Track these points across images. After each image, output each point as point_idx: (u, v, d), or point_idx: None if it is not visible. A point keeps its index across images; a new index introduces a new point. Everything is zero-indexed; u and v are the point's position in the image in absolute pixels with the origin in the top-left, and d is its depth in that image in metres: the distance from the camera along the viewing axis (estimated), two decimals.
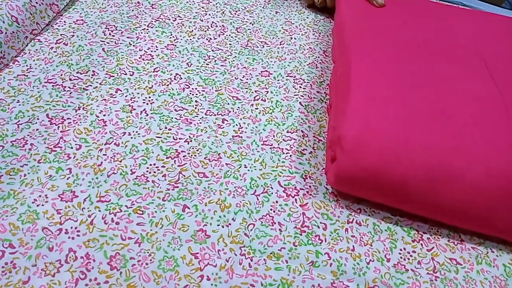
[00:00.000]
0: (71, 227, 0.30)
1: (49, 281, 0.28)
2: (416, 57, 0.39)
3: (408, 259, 0.32)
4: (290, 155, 0.37)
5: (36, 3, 0.44)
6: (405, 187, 0.31)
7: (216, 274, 0.29)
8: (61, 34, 0.45)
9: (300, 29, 0.52)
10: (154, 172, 0.35)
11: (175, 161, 0.36)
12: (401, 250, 0.33)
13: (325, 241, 0.32)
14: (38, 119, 0.37)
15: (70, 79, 0.41)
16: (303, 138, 0.39)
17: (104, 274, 0.28)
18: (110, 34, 0.46)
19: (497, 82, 0.37)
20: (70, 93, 0.39)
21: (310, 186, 0.36)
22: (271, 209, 0.33)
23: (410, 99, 0.34)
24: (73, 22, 0.47)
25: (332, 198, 0.35)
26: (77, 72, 0.41)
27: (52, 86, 0.40)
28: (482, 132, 0.33)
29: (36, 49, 0.43)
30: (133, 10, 0.50)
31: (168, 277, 0.29)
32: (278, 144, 0.38)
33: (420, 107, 0.34)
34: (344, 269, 0.31)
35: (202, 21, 0.50)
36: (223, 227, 0.32)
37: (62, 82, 0.40)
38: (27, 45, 0.43)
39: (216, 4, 0.53)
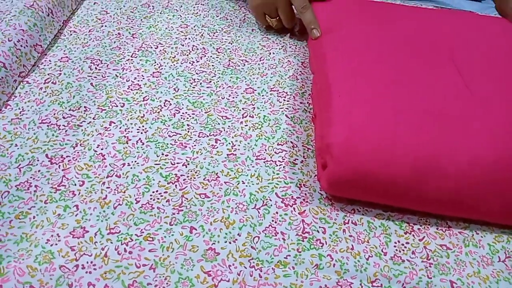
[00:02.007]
0: (87, 262, 0.32)
1: None
2: (392, 60, 0.42)
3: (403, 250, 0.35)
4: (284, 167, 0.40)
5: (21, 46, 0.45)
6: (394, 185, 0.34)
7: None
8: (48, 74, 0.46)
9: (277, 43, 0.54)
10: (158, 198, 0.36)
11: (176, 185, 0.37)
12: (395, 243, 0.36)
13: (326, 244, 0.35)
14: (38, 160, 0.38)
15: (64, 117, 0.42)
16: (293, 149, 0.42)
17: None
18: (96, 68, 0.48)
19: (465, 79, 0.40)
20: (66, 131, 0.41)
21: (305, 194, 0.38)
22: (272, 220, 0.36)
23: (390, 100, 0.37)
24: (58, 60, 0.48)
25: (327, 202, 0.38)
26: (69, 110, 0.43)
27: (47, 126, 0.41)
28: (459, 126, 0.36)
29: (26, 91, 0.44)
30: (115, 42, 0.51)
31: None
32: (271, 157, 0.41)
33: (400, 107, 0.37)
34: (347, 267, 0.33)
35: (183, 45, 0.52)
36: (230, 243, 0.34)
37: (56, 121, 0.42)
38: (16, 88, 0.44)
39: (194, 27, 0.55)
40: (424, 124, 0.35)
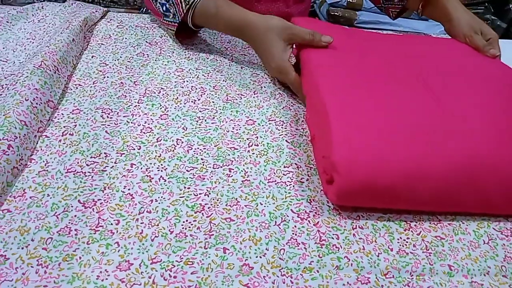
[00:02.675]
0: None
1: None
2: (374, 84, 0.50)
3: (406, 244, 0.41)
4: (293, 186, 0.45)
5: (37, 103, 0.49)
6: (394, 191, 0.40)
7: None
8: (64, 126, 0.50)
9: (265, 78, 0.61)
10: (189, 227, 0.41)
11: (202, 213, 0.42)
12: (398, 239, 0.41)
13: (341, 248, 0.40)
14: (72, 206, 0.41)
15: (87, 165, 0.46)
16: (298, 169, 0.47)
17: None
18: (107, 116, 0.52)
19: (436, 96, 0.49)
20: (92, 176, 0.44)
21: (316, 208, 0.44)
22: (293, 233, 0.41)
23: (380, 120, 0.44)
24: (70, 112, 0.52)
25: (335, 213, 0.43)
26: (91, 157, 0.47)
27: (73, 174, 0.45)
28: (437, 138, 0.44)
29: (46, 145, 0.48)
30: (119, 91, 0.56)
31: None
32: (280, 179, 0.46)
33: (393, 124, 0.44)
34: (362, 265, 0.39)
35: (182, 87, 0.58)
36: (261, 257, 0.38)
37: (81, 169, 0.45)
38: (37, 143, 0.48)
39: (189, 70, 0.61)
40: (409, 138, 0.42)
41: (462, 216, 0.44)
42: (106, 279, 0.36)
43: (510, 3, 1.67)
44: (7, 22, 0.65)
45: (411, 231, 0.42)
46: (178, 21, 0.62)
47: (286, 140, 0.51)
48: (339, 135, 0.42)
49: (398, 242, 0.41)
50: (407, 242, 0.41)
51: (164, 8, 0.62)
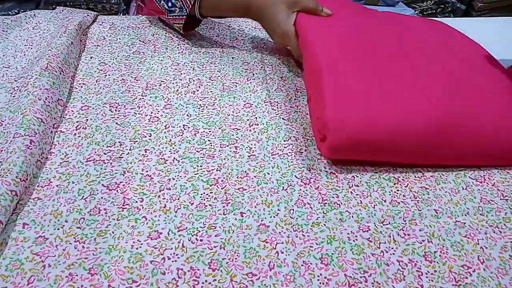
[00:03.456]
0: (170, 254, 0.40)
1: None
2: (367, 50, 0.56)
3: (396, 196, 0.47)
4: (294, 156, 0.51)
5: (49, 102, 0.52)
6: (379, 145, 0.47)
7: (285, 247, 0.41)
8: (76, 121, 0.53)
9: (256, 66, 0.66)
10: (207, 198, 0.45)
11: (217, 186, 0.47)
12: (390, 192, 0.47)
13: (342, 204, 0.46)
14: (97, 190, 0.45)
15: (105, 153, 0.50)
16: (296, 141, 0.53)
17: (210, 276, 0.38)
18: (116, 110, 0.56)
19: (417, 63, 0.57)
20: (111, 163, 0.48)
21: (315, 174, 0.49)
22: (299, 195, 0.46)
23: (370, 80, 0.51)
24: (80, 109, 0.55)
25: (333, 176, 0.49)
26: (106, 147, 0.50)
27: (93, 162, 0.48)
28: (419, 96, 0.51)
29: (63, 139, 0.51)
30: (122, 87, 0.60)
31: (255, 261, 0.40)
32: (282, 151, 0.51)
33: (379, 85, 0.51)
34: (362, 216, 0.45)
35: (180, 80, 0.62)
36: (274, 217, 0.43)
37: (100, 158, 0.49)
38: (54, 138, 0.51)
39: (184, 64, 0.65)
40: (393, 99, 0.49)
41: (442, 169, 0.51)
42: (140, 247, 0.40)
43: None
44: (3, 31, 0.67)
45: (400, 184, 0.49)
46: (186, 14, 0.66)
47: (282, 118, 0.56)
48: (331, 98, 0.48)
49: (389, 195, 0.47)
50: (397, 193, 0.47)
51: (170, 4, 0.66)
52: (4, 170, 0.43)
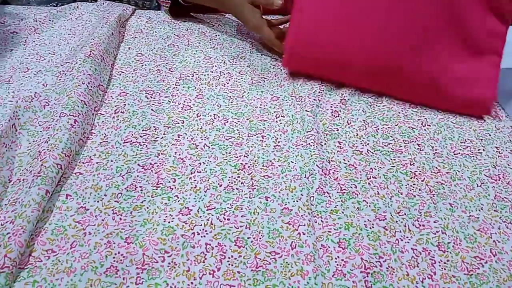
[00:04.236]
0: (200, 230, 0.43)
1: (202, 267, 0.40)
2: None
3: (412, 189, 0.49)
4: (316, 147, 0.53)
5: (91, 87, 0.56)
6: (329, 63, 0.59)
7: (306, 229, 0.43)
8: (115, 106, 0.58)
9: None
10: (234, 182, 0.48)
11: (244, 171, 0.50)
12: (406, 185, 0.50)
13: (360, 194, 0.48)
14: (133, 169, 0.49)
15: (141, 136, 0.53)
16: (317, 134, 0.55)
17: (236, 252, 0.41)
18: (151, 97, 0.59)
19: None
20: (146, 146, 0.52)
21: (334, 166, 0.52)
22: (319, 184, 0.49)
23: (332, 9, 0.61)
24: (118, 95, 0.60)
25: (351, 168, 0.51)
26: (142, 130, 0.54)
27: (130, 144, 0.52)
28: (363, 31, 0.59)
29: (102, 121, 0.55)
30: (158, 76, 0.64)
31: (278, 241, 0.42)
32: (305, 142, 0.54)
33: (340, 14, 0.60)
34: (378, 206, 0.47)
35: (212, 72, 0.65)
36: (296, 201, 0.46)
37: (136, 140, 0.53)
38: (94, 120, 0.55)
39: (216, 58, 0.69)
40: (345, 27, 0.60)
41: (458, 166, 0.53)
42: (172, 221, 0.44)
43: None
44: (49, 20, 0.72)
45: (416, 178, 0.51)
46: None
47: (306, 110, 0.59)
48: (295, 21, 0.62)
49: (406, 188, 0.50)
50: (413, 187, 0.50)
51: None
52: (51, 145, 0.47)
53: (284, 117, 0.58)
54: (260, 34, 0.68)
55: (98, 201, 0.45)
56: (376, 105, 0.62)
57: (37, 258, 0.39)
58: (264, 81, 0.65)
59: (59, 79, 0.57)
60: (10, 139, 0.49)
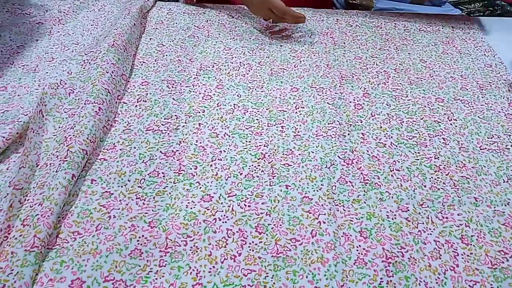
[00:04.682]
0: (221, 216, 0.43)
1: (223, 251, 0.41)
2: None
3: (437, 182, 0.49)
4: (337, 138, 0.53)
5: (115, 76, 0.57)
6: None
7: (327, 218, 0.43)
8: (137, 95, 0.58)
9: (303, 53, 0.69)
10: (255, 170, 0.49)
11: (264, 160, 0.50)
12: (430, 179, 0.49)
13: (383, 185, 0.48)
14: (156, 156, 0.50)
15: (162, 124, 0.54)
16: (340, 126, 0.55)
17: (257, 238, 0.42)
18: (172, 86, 0.60)
19: None
20: (168, 134, 0.53)
21: (357, 156, 0.51)
22: (341, 174, 0.49)
23: None
24: (140, 84, 0.60)
25: (375, 159, 0.51)
26: (164, 119, 0.55)
27: (152, 132, 0.53)
28: None
29: (125, 109, 0.56)
30: (178, 67, 0.64)
31: (299, 228, 0.43)
32: (326, 133, 0.54)
33: None
34: (401, 197, 0.46)
35: (232, 63, 0.66)
36: (317, 191, 0.46)
37: (158, 128, 0.53)
38: (117, 108, 0.56)
39: (235, 49, 0.69)
40: None
41: (484, 161, 0.52)
42: (194, 207, 0.44)
43: None
44: (73, 11, 0.74)
45: (441, 172, 0.50)
46: None
47: (327, 103, 0.59)
48: None
49: (430, 181, 0.49)
50: (437, 180, 0.49)
51: None
52: (77, 131, 0.48)
53: (303, 108, 0.58)
54: (270, 5, 0.69)
55: (122, 186, 0.46)
56: (401, 99, 0.61)
57: (64, 239, 0.40)
58: (284, 72, 0.65)
59: (84, 68, 0.58)
60: (38, 124, 0.50)
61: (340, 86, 0.62)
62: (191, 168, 0.49)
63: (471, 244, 0.43)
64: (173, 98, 0.58)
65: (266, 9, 0.70)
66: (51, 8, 0.74)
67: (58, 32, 0.70)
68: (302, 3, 0.85)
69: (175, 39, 0.70)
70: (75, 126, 0.49)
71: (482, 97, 0.63)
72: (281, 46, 0.71)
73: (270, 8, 0.69)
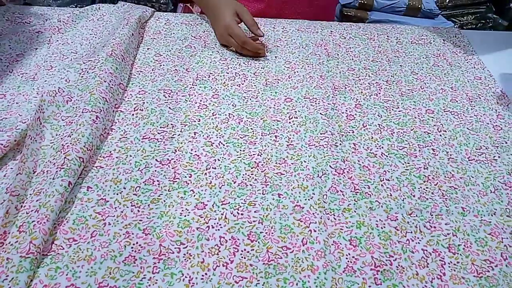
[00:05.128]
0: (214, 223, 0.44)
1: (216, 258, 0.41)
2: None
3: (425, 192, 0.50)
4: (329, 148, 0.54)
5: (112, 85, 0.58)
6: None
7: (318, 227, 0.44)
8: (134, 103, 0.60)
9: (297, 64, 0.70)
10: (248, 179, 0.50)
11: (257, 169, 0.51)
12: (419, 188, 0.50)
13: (373, 194, 0.49)
14: (151, 164, 0.51)
15: (158, 133, 0.55)
16: (332, 136, 0.56)
17: (249, 246, 0.43)
18: (169, 96, 0.61)
19: None
20: (163, 142, 0.54)
21: (349, 166, 0.53)
22: (332, 183, 0.50)
23: None
24: (137, 93, 0.62)
25: (365, 169, 0.52)
26: (160, 127, 0.56)
27: (148, 140, 0.54)
28: None
29: (122, 118, 0.57)
30: (175, 76, 0.65)
31: (290, 236, 0.44)
32: (319, 143, 0.55)
33: None
34: (391, 207, 0.48)
35: (228, 73, 0.67)
36: (308, 200, 0.47)
37: (154, 136, 0.55)
38: (114, 116, 0.57)
39: (232, 59, 0.70)
40: None
41: (472, 172, 0.53)
42: (188, 215, 0.45)
43: (510, 3, 1.76)
44: (72, 21, 0.75)
45: (429, 182, 0.51)
46: None
47: (320, 113, 0.60)
48: None
49: (419, 191, 0.50)
50: (426, 190, 0.50)
51: None
52: (74, 139, 0.49)
53: (297, 118, 0.59)
54: (231, 32, 0.70)
55: (117, 194, 0.47)
56: (392, 110, 0.63)
57: (59, 246, 0.41)
58: (278, 82, 0.66)
59: (82, 76, 0.59)
60: (35, 131, 0.51)
61: (333, 97, 0.64)
62: (185, 176, 0.50)
63: (458, 253, 0.44)
64: (169, 107, 0.59)
65: (228, 36, 0.71)
66: (50, 17, 0.76)
67: (57, 41, 0.71)
68: (305, 16, 0.87)
69: (172, 49, 0.72)
70: (72, 134, 0.50)
71: (471, 109, 0.64)
72: (276, 57, 0.72)
73: (231, 36, 0.71)
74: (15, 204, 0.43)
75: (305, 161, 0.52)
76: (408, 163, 0.54)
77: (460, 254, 0.44)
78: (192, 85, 0.64)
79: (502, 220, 0.48)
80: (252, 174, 0.50)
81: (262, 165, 0.52)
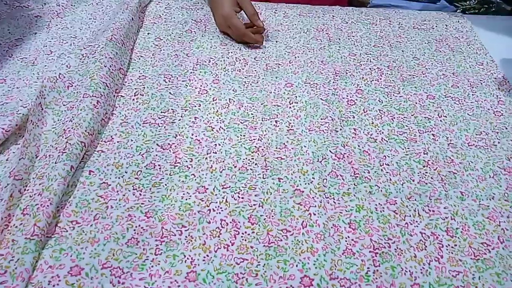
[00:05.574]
0: (215, 207, 0.45)
1: (217, 241, 0.42)
2: None
3: (425, 177, 0.50)
4: (330, 133, 0.55)
5: (112, 69, 0.58)
6: None
7: (317, 210, 0.45)
8: (134, 88, 0.60)
9: (298, 50, 0.70)
10: (248, 164, 0.50)
11: (257, 154, 0.51)
12: (418, 173, 0.51)
13: (372, 179, 0.49)
14: (152, 148, 0.51)
15: (159, 118, 0.55)
16: (332, 121, 0.57)
17: (249, 228, 0.43)
18: (169, 81, 0.61)
19: None
20: (164, 127, 0.54)
21: (348, 151, 0.53)
22: (332, 168, 0.50)
23: None
24: (138, 78, 0.62)
25: (365, 154, 0.53)
26: (161, 112, 0.56)
27: (149, 125, 0.54)
28: None
29: (123, 103, 0.57)
30: (175, 61, 0.65)
31: (290, 220, 0.44)
32: (319, 128, 0.55)
33: None
34: (390, 191, 0.48)
35: (228, 58, 0.67)
36: (308, 184, 0.48)
37: (155, 121, 0.55)
38: (115, 101, 0.57)
39: (232, 44, 0.70)
40: None
41: (471, 157, 0.53)
42: (189, 198, 0.46)
43: None
44: (72, 5, 0.75)
45: (429, 167, 0.52)
46: None
47: (321, 98, 0.60)
48: None
49: (418, 175, 0.50)
50: (425, 175, 0.51)
51: None
52: (75, 124, 0.49)
53: (297, 103, 0.59)
54: (230, 23, 0.69)
55: (119, 178, 0.47)
56: (393, 95, 0.63)
57: (63, 228, 0.42)
58: (279, 67, 0.66)
59: (82, 61, 0.59)
60: (37, 117, 0.51)
61: (333, 82, 0.64)
62: (186, 161, 0.50)
63: (455, 236, 0.44)
64: (169, 92, 0.59)
65: (227, 27, 0.70)
66: (49, 2, 0.75)
67: (57, 25, 0.71)
68: (318, 1, 0.86)
69: (172, 33, 0.71)
70: (73, 119, 0.50)
71: (473, 94, 0.64)
72: (276, 42, 0.72)
73: (230, 27, 0.70)
74: (19, 187, 0.43)
75: (305, 146, 0.53)
76: (408, 148, 0.54)
77: (458, 237, 0.44)
78: (193, 70, 0.64)
79: (500, 204, 0.48)
80: (252, 158, 0.51)
81: (262, 149, 0.52)
